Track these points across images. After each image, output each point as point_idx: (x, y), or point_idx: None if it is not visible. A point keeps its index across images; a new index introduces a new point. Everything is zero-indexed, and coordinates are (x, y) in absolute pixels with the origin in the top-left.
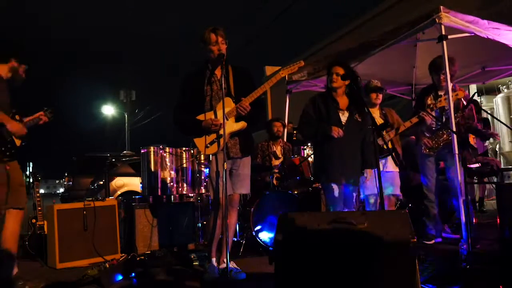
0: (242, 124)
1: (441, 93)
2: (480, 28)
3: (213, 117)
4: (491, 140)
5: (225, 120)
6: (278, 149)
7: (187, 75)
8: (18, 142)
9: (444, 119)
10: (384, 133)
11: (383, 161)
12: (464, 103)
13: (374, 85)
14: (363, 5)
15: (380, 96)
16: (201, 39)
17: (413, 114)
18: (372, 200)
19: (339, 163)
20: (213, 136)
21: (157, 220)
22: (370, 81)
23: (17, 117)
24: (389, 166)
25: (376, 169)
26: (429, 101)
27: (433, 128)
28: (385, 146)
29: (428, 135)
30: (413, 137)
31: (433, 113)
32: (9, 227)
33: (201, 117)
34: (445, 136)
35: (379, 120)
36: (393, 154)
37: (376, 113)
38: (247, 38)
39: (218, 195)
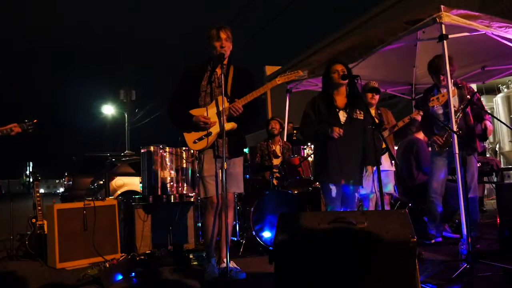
0: (231, 125)
1: (443, 91)
2: (483, 25)
3: (204, 114)
4: (491, 139)
5: (221, 118)
6: (277, 148)
7: (188, 68)
8: None
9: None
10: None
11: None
12: (468, 97)
13: (371, 85)
14: (363, 5)
15: (377, 97)
16: (207, 36)
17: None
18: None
19: (338, 163)
20: (202, 132)
21: (157, 220)
22: (368, 81)
23: None
24: (385, 165)
25: (376, 169)
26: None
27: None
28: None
29: (437, 132)
30: (417, 135)
31: (441, 113)
32: None
33: (194, 111)
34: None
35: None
36: (390, 153)
37: (371, 112)
38: (247, 38)
39: (208, 193)
